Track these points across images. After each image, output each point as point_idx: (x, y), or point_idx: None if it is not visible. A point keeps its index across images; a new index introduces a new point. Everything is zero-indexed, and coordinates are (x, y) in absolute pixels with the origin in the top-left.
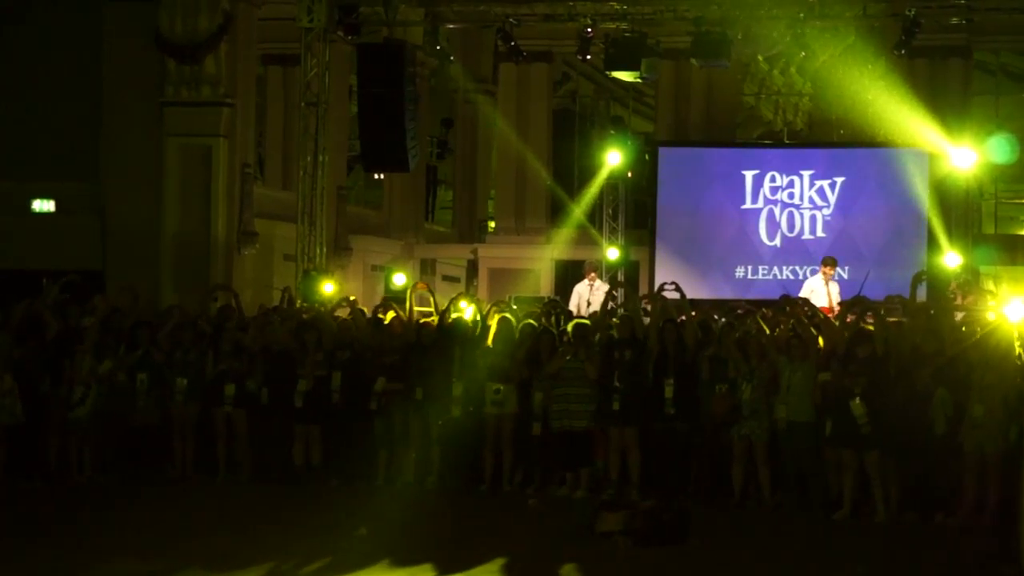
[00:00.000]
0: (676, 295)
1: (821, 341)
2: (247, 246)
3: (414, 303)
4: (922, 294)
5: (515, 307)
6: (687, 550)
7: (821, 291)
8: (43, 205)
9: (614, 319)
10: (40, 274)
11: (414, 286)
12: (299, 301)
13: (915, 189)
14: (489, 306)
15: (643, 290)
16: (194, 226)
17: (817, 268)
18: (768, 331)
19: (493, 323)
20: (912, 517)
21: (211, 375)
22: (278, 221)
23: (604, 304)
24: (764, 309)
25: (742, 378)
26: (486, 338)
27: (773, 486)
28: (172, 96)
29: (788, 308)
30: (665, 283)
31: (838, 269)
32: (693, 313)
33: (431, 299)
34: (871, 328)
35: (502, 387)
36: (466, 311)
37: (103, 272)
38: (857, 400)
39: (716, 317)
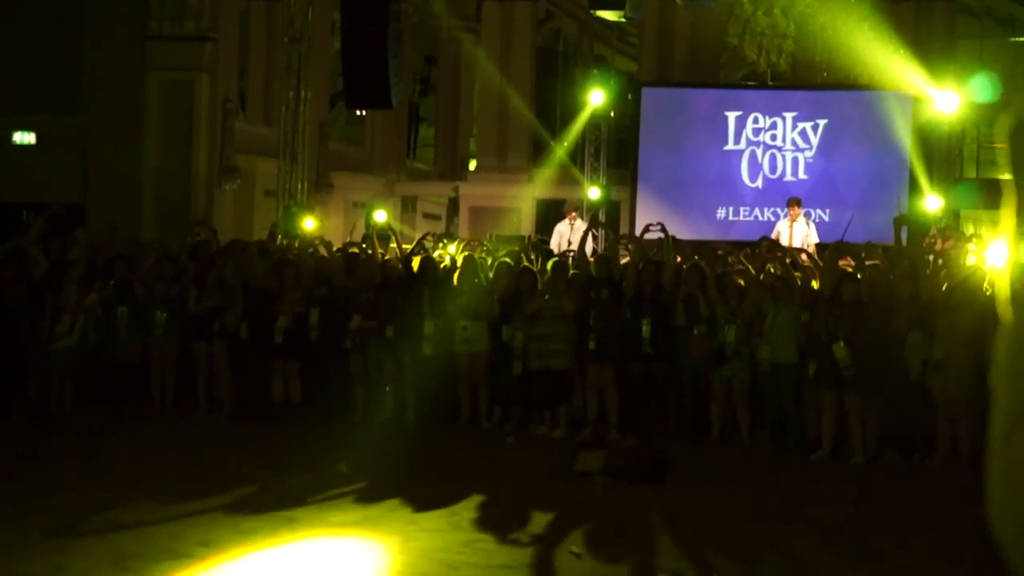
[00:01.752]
0: (661, 235)
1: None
2: (228, 181)
3: (377, 242)
4: (904, 237)
5: (487, 245)
6: (665, 489)
7: (786, 233)
8: (24, 138)
9: (591, 258)
10: (21, 207)
11: (378, 226)
12: (280, 237)
13: (898, 132)
14: (462, 244)
15: (624, 230)
16: (175, 161)
17: (809, 211)
18: (753, 272)
19: (459, 261)
20: (890, 458)
21: (192, 310)
22: (259, 157)
23: (582, 243)
24: (747, 250)
25: (724, 320)
26: (457, 276)
27: (752, 427)
28: (154, 30)
29: (769, 251)
30: (650, 224)
31: (819, 211)
32: (677, 256)
33: (393, 237)
34: (852, 271)
35: (469, 324)
36: (448, 250)
37: (84, 206)
38: (841, 343)
39: (690, 258)
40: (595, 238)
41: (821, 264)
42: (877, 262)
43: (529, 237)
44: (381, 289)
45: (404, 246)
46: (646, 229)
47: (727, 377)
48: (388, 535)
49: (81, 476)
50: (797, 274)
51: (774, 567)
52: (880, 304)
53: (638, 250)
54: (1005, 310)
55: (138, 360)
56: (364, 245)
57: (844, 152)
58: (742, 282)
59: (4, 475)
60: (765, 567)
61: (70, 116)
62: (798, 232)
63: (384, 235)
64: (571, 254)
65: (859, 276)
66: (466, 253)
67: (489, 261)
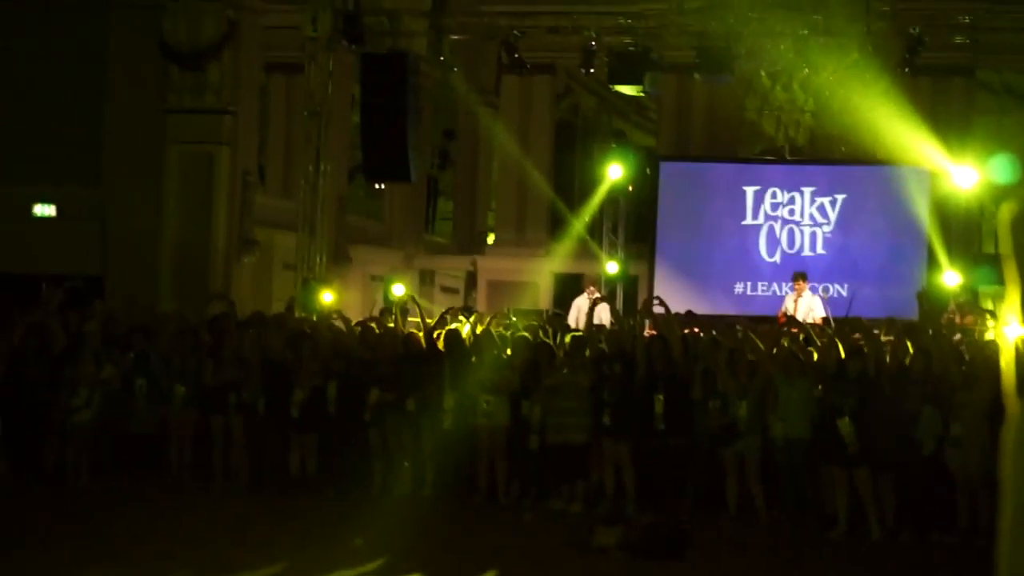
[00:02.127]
0: (661, 309)
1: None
2: (247, 254)
3: (400, 316)
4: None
5: (513, 319)
6: (684, 566)
7: (791, 308)
8: (44, 210)
9: (602, 334)
10: (40, 278)
11: (400, 300)
12: (298, 310)
13: (916, 207)
14: (485, 318)
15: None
16: (194, 233)
17: (816, 286)
18: (763, 347)
19: (481, 333)
20: (908, 536)
21: (210, 383)
22: (278, 230)
23: (588, 317)
24: (765, 326)
25: (735, 395)
26: (477, 350)
27: (769, 502)
28: (175, 103)
29: (786, 326)
30: (653, 297)
31: (837, 286)
32: (684, 329)
33: (418, 310)
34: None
35: (492, 399)
36: (465, 325)
37: (103, 278)
38: (846, 419)
39: (708, 333)
40: (613, 312)
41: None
42: (891, 338)
43: (547, 311)
44: (402, 362)
45: (427, 320)
46: (647, 302)
47: (739, 452)
48: None
49: (99, 549)
50: (811, 349)
51: None
52: (891, 379)
53: (639, 325)
54: (1011, 401)
55: (155, 432)
56: (381, 318)
57: (862, 227)
58: (752, 357)
59: (22, 548)
60: None
61: (90, 188)
62: (802, 307)
63: (405, 308)
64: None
65: (866, 350)
66: (481, 328)
67: (508, 335)
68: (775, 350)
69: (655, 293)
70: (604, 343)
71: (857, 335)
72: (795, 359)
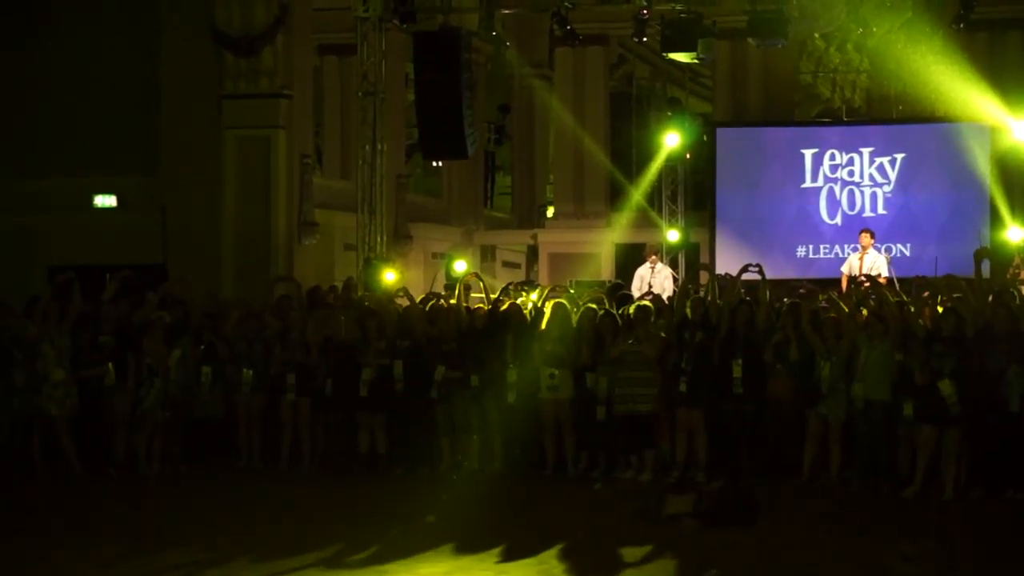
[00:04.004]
0: (759, 276)
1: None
2: (308, 236)
3: (463, 292)
4: (986, 270)
5: (572, 292)
6: (757, 531)
7: (856, 266)
8: (105, 200)
9: (687, 300)
10: (103, 269)
11: (465, 276)
12: (361, 290)
13: (976, 163)
14: (546, 291)
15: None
16: (254, 218)
17: (879, 247)
18: (845, 309)
19: (547, 308)
20: (979, 493)
21: (277, 367)
22: (338, 211)
23: (683, 288)
24: (841, 288)
25: (821, 357)
26: (540, 323)
27: (841, 464)
28: (230, 89)
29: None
30: (749, 264)
31: (899, 246)
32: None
33: (482, 285)
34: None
35: (557, 372)
36: (530, 298)
37: (165, 266)
38: (947, 380)
39: (784, 299)
40: (675, 279)
41: (905, 299)
42: (960, 295)
43: (609, 282)
44: (465, 338)
45: (491, 295)
46: (744, 269)
47: (823, 415)
48: None
49: (173, 535)
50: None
51: None
52: (977, 338)
53: (733, 290)
54: None
55: (223, 417)
56: (445, 294)
57: (923, 185)
58: (836, 317)
59: (97, 536)
60: None
61: (149, 177)
62: (867, 264)
63: (468, 284)
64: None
65: (957, 309)
66: (553, 301)
67: (572, 308)
68: (858, 311)
69: (717, 260)
70: (688, 311)
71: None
72: (878, 320)
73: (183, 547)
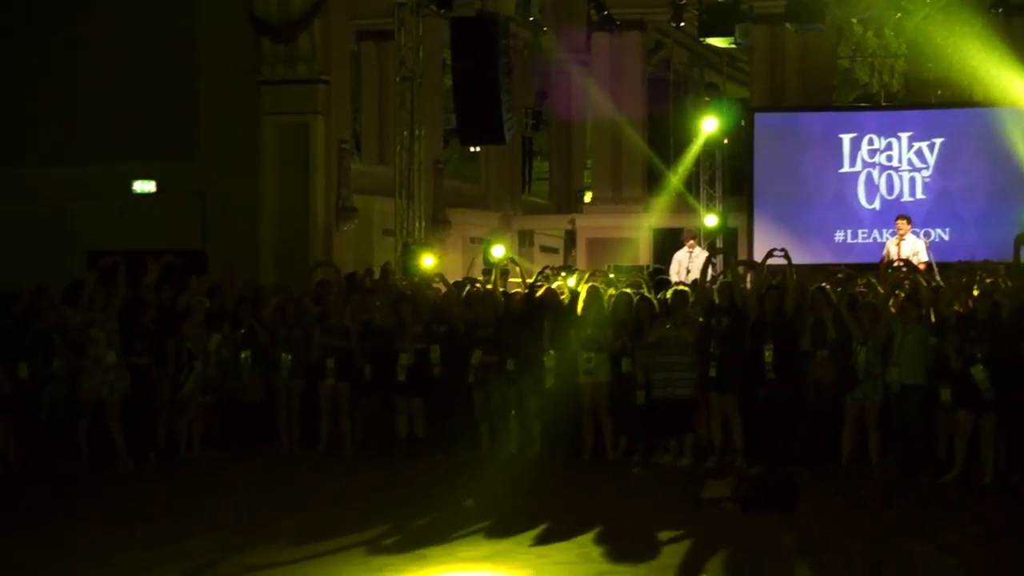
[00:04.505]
0: (783, 261)
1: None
2: (346, 222)
3: (500, 277)
4: None
5: (612, 276)
6: (796, 516)
7: (894, 252)
8: (144, 186)
9: (714, 286)
10: (143, 254)
11: (502, 261)
12: (399, 275)
13: (1015, 147)
14: (584, 275)
15: (742, 256)
16: (293, 203)
17: (918, 232)
18: (882, 292)
19: (582, 292)
20: (1020, 478)
21: (316, 351)
22: (376, 196)
23: (703, 271)
24: (879, 273)
25: (857, 342)
26: (576, 308)
27: (880, 450)
28: (268, 75)
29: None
30: (774, 249)
31: (939, 230)
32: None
33: (519, 270)
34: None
35: (593, 356)
36: (567, 283)
37: (204, 251)
38: (979, 366)
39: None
40: (714, 265)
41: (943, 284)
42: (991, 280)
43: (647, 267)
44: (501, 323)
45: (528, 280)
46: (769, 254)
47: (859, 399)
48: (519, 569)
49: (213, 518)
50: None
51: None
52: (1012, 323)
53: (760, 276)
54: None
55: (262, 401)
56: (482, 279)
57: (962, 170)
58: (874, 303)
59: (139, 520)
60: None
61: (188, 163)
62: (905, 250)
63: (505, 269)
64: (693, 282)
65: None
66: (589, 284)
67: (609, 292)
68: (892, 296)
69: (755, 245)
70: (715, 296)
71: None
72: (913, 305)
73: (223, 530)
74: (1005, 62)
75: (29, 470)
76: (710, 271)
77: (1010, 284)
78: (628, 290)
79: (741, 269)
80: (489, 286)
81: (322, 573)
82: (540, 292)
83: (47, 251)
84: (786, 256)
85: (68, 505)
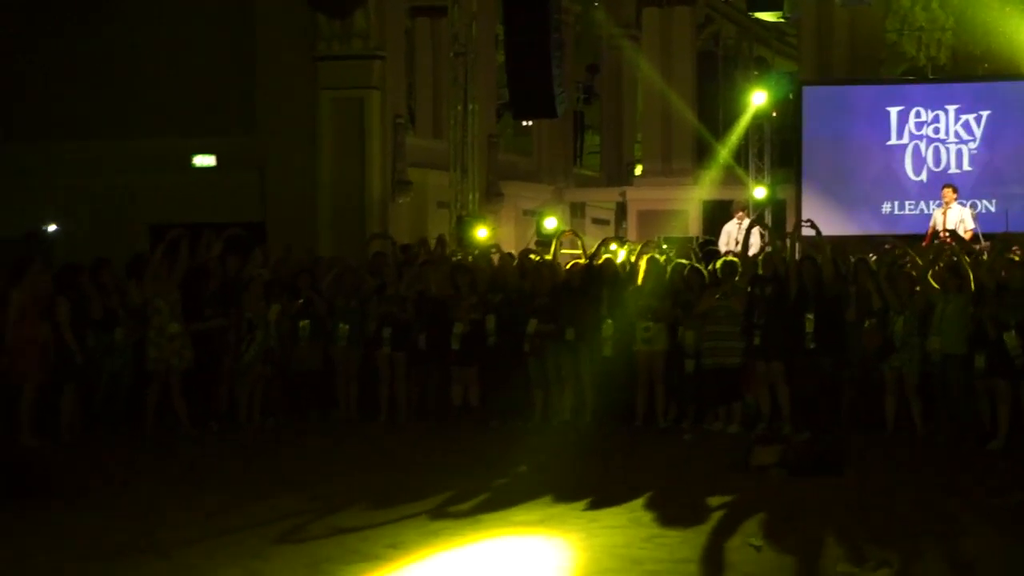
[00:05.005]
0: (812, 232)
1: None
2: (401, 195)
3: (558, 248)
4: None
5: (665, 247)
6: (843, 481)
7: (940, 221)
8: (204, 160)
9: (759, 257)
10: (203, 227)
11: (562, 233)
12: (454, 247)
13: None
14: (639, 246)
15: (790, 228)
16: (349, 176)
17: (964, 202)
18: (922, 263)
19: (642, 263)
20: None
21: (372, 321)
22: (430, 169)
23: (745, 242)
24: (922, 244)
25: (894, 311)
26: (635, 278)
27: (925, 417)
28: (324, 51)
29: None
30: (803, 220)
31: (985, 201)
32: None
33: (579, 242)
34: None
35: (652, 325)
36: (618, 253)
37: (263, 224)
38: (1012, 332)
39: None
40: (761, 236)
41: (985, 255)
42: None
43: (697, 238)
44: (560, 293)
45: (589, 251)
46: (797, 225)
47: (897, 368)
48: (571, 533)
49: (273, 485)
50: (967, 264)
51: (951, 556)
52: None
53: (795, 247)
54: None
55: (320, 370)
56: (536, 250)
57: (1009, 142)
58: (914, 273)
59: (200, 486)
60: (943, 556)
61: (247, 137)
62: (952, 219)
63: (563, 241)
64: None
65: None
66: (648, 255)
67: (662, 262)
68: (934, 266)
69: (803, 216)
70: (759, 267)
71: (1016, 248)
72: (954, 275)
73: (284, 497)
74: None
75: (92, 437)
76: (758, 242)
77: None
78: (683, 260)
79: (786, 241)
80: (548, 257)
81: (378, 536)
82: (599, 262)
83: (110, 224)
84: (813, 226)
85: (135, 474)
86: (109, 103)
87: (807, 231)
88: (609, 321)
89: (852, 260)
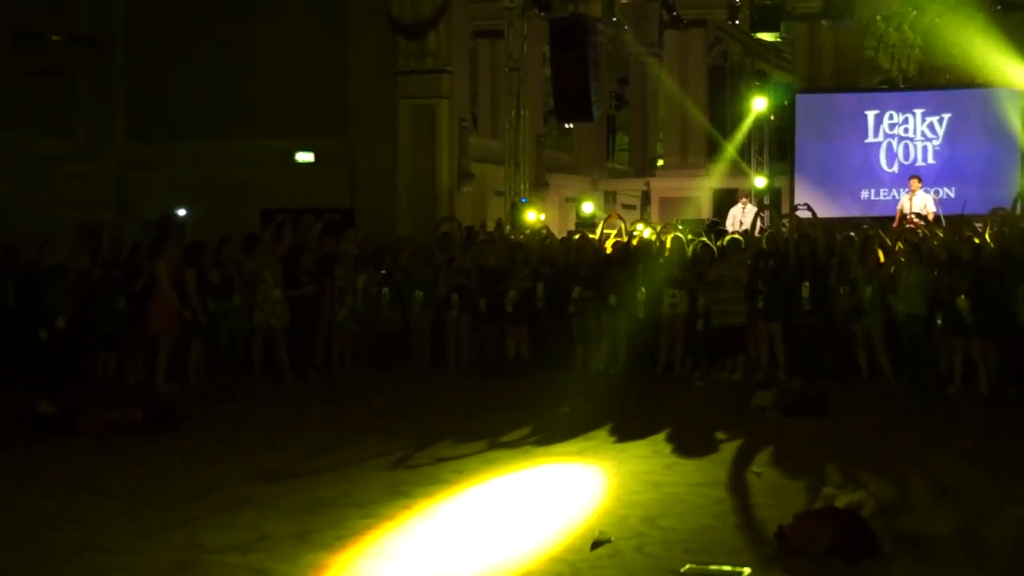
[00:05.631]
0: (808, 214)
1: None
2: (465, 184)
3: (603, 227)
4: (1020, 208)
5: (681, 227)
6: (828, 421)
7: (907, 205)
8: (304, 156)
9: (763, 235)
10: (303, 211)
11: (608, 216)
12: (507, 227)
13: (1010, 121)
14: (659, 227)
15: (784, 211)
16: (423, 170)
17: (928, 190)
18: (889, 242)
19: (667, 240)
20: (1011, 389)
21: (442, 289)
22: (489, 164)
23: (753, 223)
24: (892, 225)
25: (863, 280)
26: (663, 253)
27: (895, 369)
28: (403, 67)
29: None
30: (798, 204)
31: (945, 189)
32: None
33: (621, 226)
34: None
35: (676, 292)
36: (644, 231)
37: (353, 209)
38: (962, 297)
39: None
40: (762, 219)
41: (942, 234)
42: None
43: (707, 220)
44: (603, 265)
45: (630, 230)
46: (794, 208)
47: (866, 327)
48: (604, 461)
49: (360, 423)
50: (927, 240)
51: (919, 480)
52: (995, 261)
53: (793, 225)
54: None
55: (399, 330)
56: (583, 230)
57: (965, 140)
58: (880, 251)
59: (301, 424)
60: (912, 480)
61: (339, 138)
62: (917, 203)
63: (614, 223)
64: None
65: (976, 240)
66: (672, 234)
67: (684, 240)
68: (899, 243)
69: (797, 201)
70: (763, 242)
71: (968, 232)
72: (915, 250)
73: (369, 433)
74: (1003, 51)
75: (214, 384)
76: (759, 223)
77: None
78: (704, 239)
79: (785, 221)
80: (594, 236)
81: (446, 464)
82: (635, 241)
83: (228, 209)
84: (809, 208)
85: (247, 416)
86: (228, 110)
87: (804, 213)
88: (643, 289)
89: (839, 237)
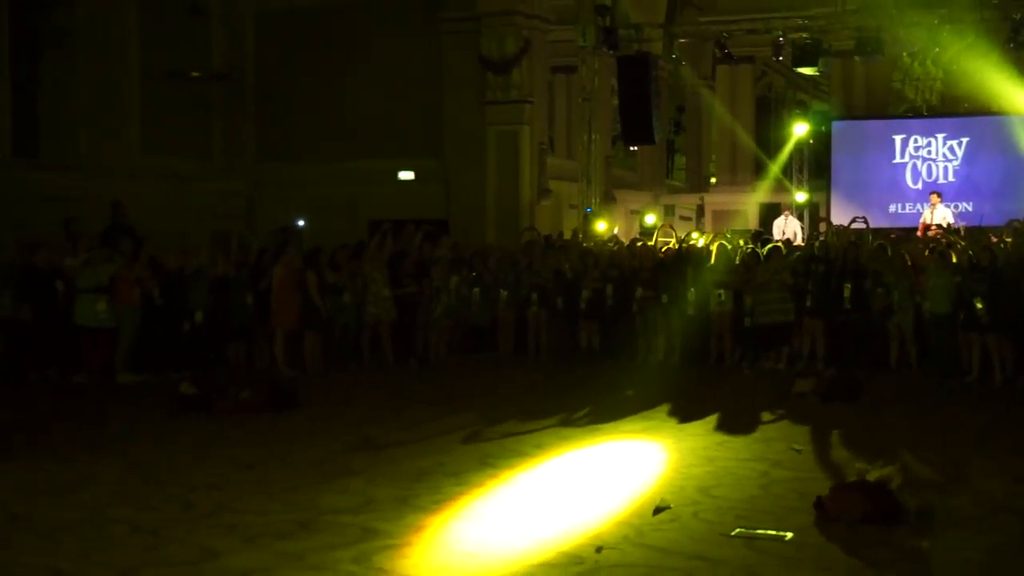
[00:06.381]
0: (863, 225)
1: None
2: (544, 199)
3: (659, 236)
4: None
5: (730, 236)
6: (860, 406)
7: (928, 217)
8: (406, 175)
9: (816, 243)
10: (405, 222)
11: (661, 226)
12: (580, 236)
13: (1021, 143)
14: (710, 236)
15: (823, 223)
16: (507, 187)
17: (948, 204)
18: (919, 250)
19: (714, 248)
20: (1023, 380)
21: (524, 289)
22: (564, 181)
23: (810, 234)
24: (917, 234)
25: (892, 285)
26: (711, 258)
27: (920, 360)
28: (491, 97)
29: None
30: (857, 217)
31: (964, 203)
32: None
33: (674, 233)
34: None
35: (723, 293)
36: (699, 240)
37: (447, 221)
38: (978, 299)
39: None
40: (802, 229)
41: (963, 243)
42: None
43: (753, 230)
44: (658, 269)
45: (681, 237)
46: (853, 220)
47: (897, 324)
48: (664, 438)
49: (454, 402)
50: (951, 250)
51: (941, 457)
52: (1012, 267)
53: (842, 234)
54: None
55: (486, 324)
56: (643, 239)
57: (982, 161)
58: (908, 257)
59: (402, 403)
60: (934, 457)
61: (436, 159)
62: (937, 216)
63: (668, 231)
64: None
65: (991, 246)
66: (719, 243)
67: (729, 247)
68: (927, 252)
69: (832, 215)
70: (815, 248)
71: (986, 242)
72: (941, 257)
73: (462, 412)
74: (1015, 83)
75: (328, 370)
76: (800, 232)
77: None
78: (752, 246)
79: (833, 232)
80: (650, 243)
81: (528, 440)
82: (685, 247)
83: (340, 221)
84: (865, 222)
85: (357, 394)
86: (341, 136)
87: (860, 224)
88: (692, 289)
89: (875, 245)
